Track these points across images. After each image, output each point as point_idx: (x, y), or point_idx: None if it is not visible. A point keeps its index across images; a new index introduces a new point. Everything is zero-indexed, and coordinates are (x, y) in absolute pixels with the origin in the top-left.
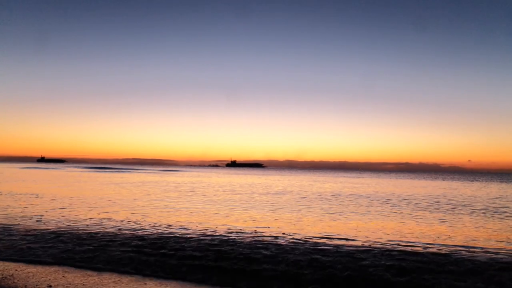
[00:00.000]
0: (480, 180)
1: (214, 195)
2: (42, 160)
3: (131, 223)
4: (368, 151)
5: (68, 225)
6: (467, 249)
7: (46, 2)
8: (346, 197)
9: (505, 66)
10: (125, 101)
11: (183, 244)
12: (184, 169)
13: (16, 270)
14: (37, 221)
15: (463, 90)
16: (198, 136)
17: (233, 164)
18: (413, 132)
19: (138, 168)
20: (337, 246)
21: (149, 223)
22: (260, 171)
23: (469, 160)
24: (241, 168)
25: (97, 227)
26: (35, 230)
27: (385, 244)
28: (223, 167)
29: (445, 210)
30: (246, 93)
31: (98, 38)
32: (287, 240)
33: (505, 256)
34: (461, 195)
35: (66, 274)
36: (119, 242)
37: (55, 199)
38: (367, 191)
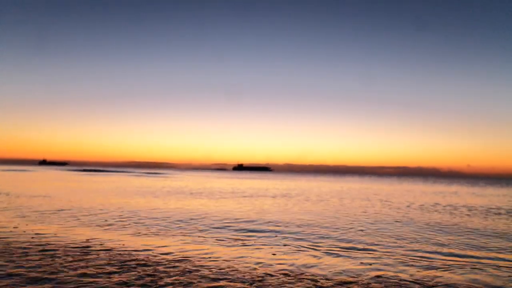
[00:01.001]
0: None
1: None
2: (43, 163)
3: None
4: (367, 155)
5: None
6: None
7: (47, 6)
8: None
9: (505, 71)
10: (126, 104)
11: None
12: (186, 173)
13: None
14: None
15: (463, 95)
16: (199, 139)
17: (240, 168)
18: (412, 136)
19: (136, 171)
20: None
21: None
22: (272, 175)
23: (468, 165)
24: (249, 172)
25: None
26: None
27: None
28: (230, 170)
29: None
30: (247, 96)
31: (98, 41)
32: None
33: None
34: None
35: None
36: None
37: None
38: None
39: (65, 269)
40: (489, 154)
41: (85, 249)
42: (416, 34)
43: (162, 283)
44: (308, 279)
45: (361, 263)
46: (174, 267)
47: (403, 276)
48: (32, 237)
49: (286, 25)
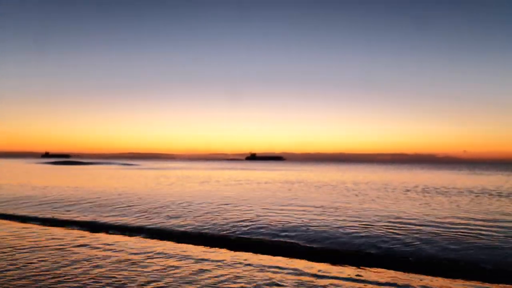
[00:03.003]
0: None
1: None
2: (46, 155)
3: None
4: (363, 142)
5: None
6: None
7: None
8: None
9: (500, 56)
10: (127, 96)
11: None
12: (203, 165)
13: None
14: None
15: (459, 81)
16: (195, 129)
17: (253, 157)
18: (408, 123)
19: (130, 162)
20: None
21: None
22: (290, 165)
23: (464, 151)
24: (263, 162)
25: None
26: None
27: None
28: (243, 160)
29: None
30: (245, 86)
31: (97, 34)
32: None
33: None
34: None
35: None
36: None
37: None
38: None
39: None
40: (485, 140)
41: None
42: (413, 23)
43: None
44: None
45: None
46: None
47: None
48: None
49: (290, 14)
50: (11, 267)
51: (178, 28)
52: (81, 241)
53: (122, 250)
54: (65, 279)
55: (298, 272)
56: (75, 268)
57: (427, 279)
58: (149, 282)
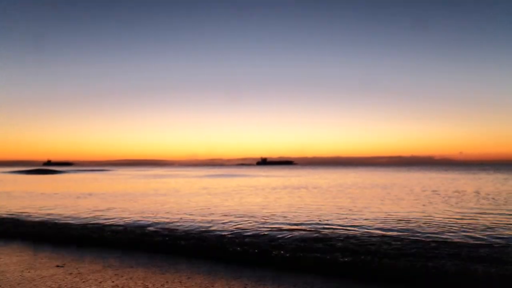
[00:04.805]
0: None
1: None
2: (48, 163)
3: None
4: (360, 145)
5: None
6: None
7: (45, 3)
8: None
9: (497, 59)
10: (128, 102)
11: None
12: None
13: None
14: None
15: (455, 83)
16: (193, 135)
17: (263, 162)
18: (404, 125)
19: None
20: None
21: None
22: (304, 170)
23: (460, 152)
24: (275, 167)
25: None
26: None
27: None
28: (254, 165)
29: None
30: (244, 90)
31: (96, 40)
32: None
33: None
34: None
35: None
36: None
37: None
38: None
39: None
40: (481, 141)
41: None
42: (410, 26)
43: None
44: None
45: None
46: None
47: None
48: None
49: (294, 18)
50: None
51: (177, 32)
52: None
53: None
54: None
55: None
56: None
57: None
58: None
